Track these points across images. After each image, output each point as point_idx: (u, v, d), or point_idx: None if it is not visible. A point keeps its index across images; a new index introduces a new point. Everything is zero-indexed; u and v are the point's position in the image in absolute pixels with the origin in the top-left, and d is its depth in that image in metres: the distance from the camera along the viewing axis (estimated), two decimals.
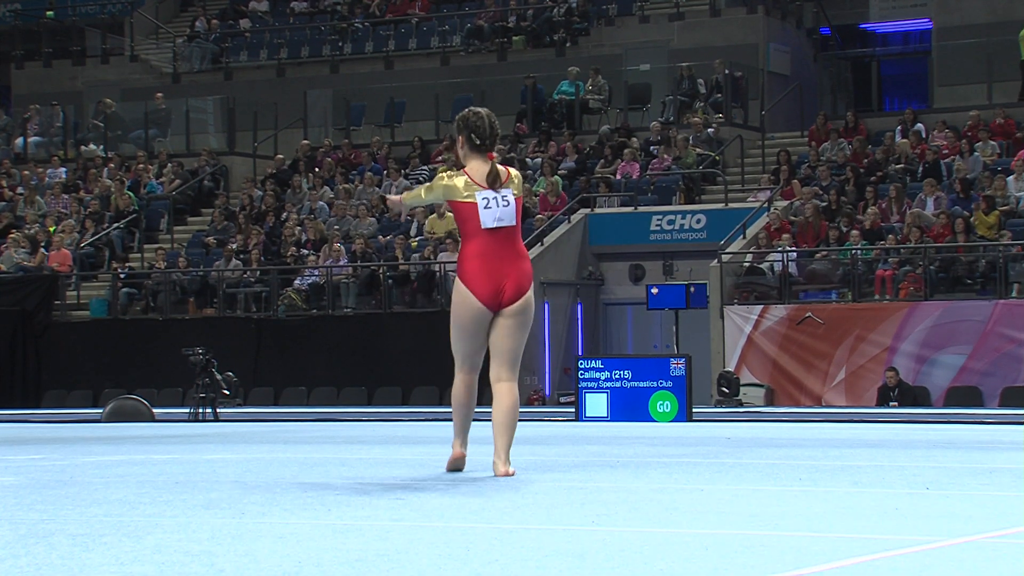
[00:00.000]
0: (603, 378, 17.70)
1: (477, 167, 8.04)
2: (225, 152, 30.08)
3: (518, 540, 5.67)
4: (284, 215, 26.53)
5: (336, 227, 25.57)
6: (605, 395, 17.59)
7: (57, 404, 23.51)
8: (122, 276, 25.89)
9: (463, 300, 8.03)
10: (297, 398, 22.77)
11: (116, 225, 27.21)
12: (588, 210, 24.39)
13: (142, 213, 27.69)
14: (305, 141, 29.19)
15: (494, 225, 7.93)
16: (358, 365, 22.90)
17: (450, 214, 24.67)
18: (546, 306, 23.05)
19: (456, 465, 8.46)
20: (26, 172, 29.77)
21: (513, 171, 8.14)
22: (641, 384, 17.49)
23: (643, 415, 17.33)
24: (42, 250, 26.41)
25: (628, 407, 17.45)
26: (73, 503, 7.25)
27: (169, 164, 29.14)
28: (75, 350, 24.57)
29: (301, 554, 5.28)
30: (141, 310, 25.30)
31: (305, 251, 25.13)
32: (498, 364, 8.17)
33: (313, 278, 24.54)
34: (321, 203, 26.74)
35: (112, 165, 29.31)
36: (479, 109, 8.35)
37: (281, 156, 29.08)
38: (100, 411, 19.94)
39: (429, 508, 6.87)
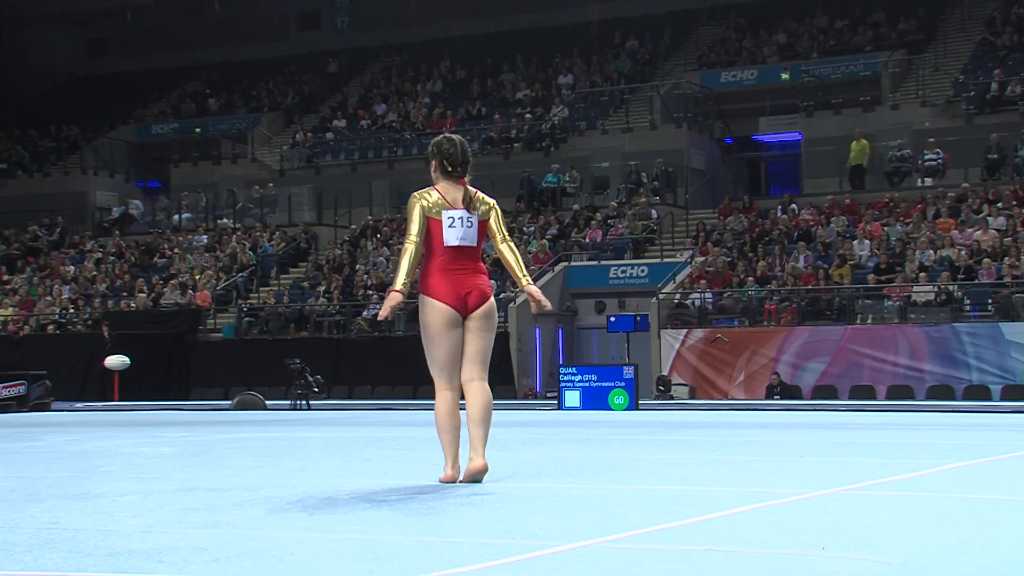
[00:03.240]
0: (577, 379, 17.67)
1: (448, 189, 6.12)
2: (315, 223, 30.07)
3: (511, 494, 5.66)
4: (356, 267, 26.52)
5: (392, 275, 25.57)
6: (578, 392, 17.57)
7: (200, 397, 23.46)
8: (245, 309, 25.86)
9: (432, 309, 6.04)
10: (364, 394, 22.69)
11: (241, 274, 27.20)
12: (566, 263, 24.37)
13: (259, 265, 27.67)
14: (370, 216, 29.21)
15: (457, 244, 6.01)
16: (407, 371, 22.82)
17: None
18: (537, 329, 23.01)
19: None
20: (180, 238, 29.79)
21: (481, 195, 6.23)
22: (603, 384, 17.47)
23: (604, 406, 17.29)
24: (190, 292, 26.41)
25: (594, 400, 17.42)
26: (210, 467, 7.26)
27: (277, 232, 29.14)
28: (213, 360, 24.54)
29: (364, 507, 5.27)
30: (258, 332, 25.25)
31: (370, 292, 25.11)
32: (470, 365, 6.06)
33: (375, 311, 24.52)
34: (381, 258, 26.73)
35: (239, 233, 29.32)
36: (453, 136, 6.30)
37: (354, 226, 29.09)
38: (229, 402, 19.91)
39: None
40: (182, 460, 7.83)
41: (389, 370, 22.88)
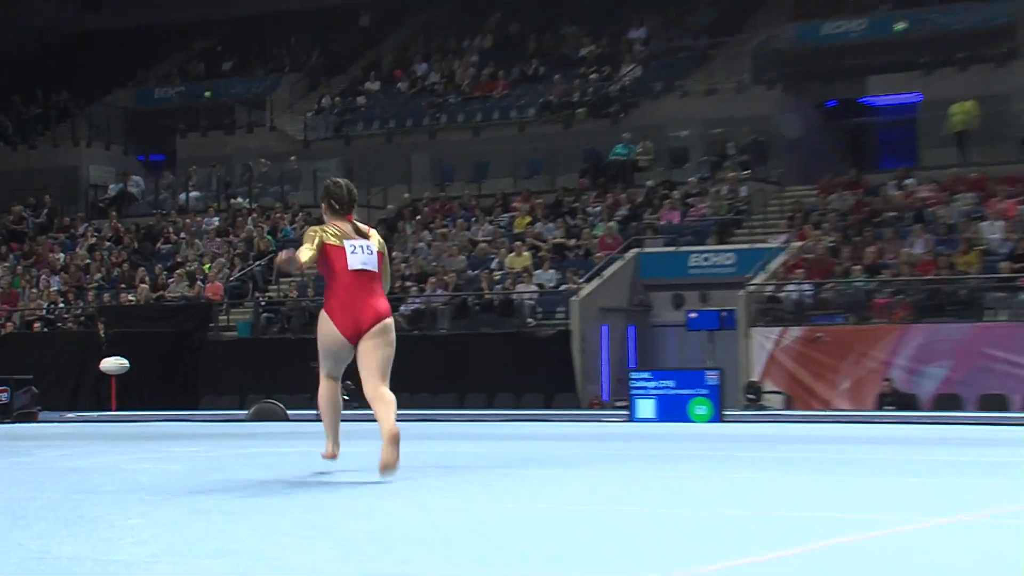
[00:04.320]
0: (651, 386, 17.64)
1: (339, 225, 7.73)
2: None
3: (566, 517, 5.66)
4: (393, 254, 26.64)
5: (434, 263, 25.64)
6: (653, 401, 17.53)
7: (211, 406, 23.70)
8: (262, 304, 26.07)
9: (328, 331, 7.74)
10: (402, 401, 22.76)
11: (258, 263, 27.43)
12: (638, 250, 24.31)
13: (278, 252, 27.86)
14: (408, 194, 29.32)
15: (360, 267, 7.62)
16: (451, 375, 22.91)
17: (525, 253, 24.72)
18: (604, 328, 22.98)
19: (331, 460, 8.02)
20: (187, 220, 30.10)
21: (372, 231, 7.86)
22: (682, 391, 17.42)
23: (683, 417, 17.24)
24: (199, 283, 26.68)
25: (671, 410, 17.37)
26: (223, 487, 7.33)
27: (300, 213, 29.35)
28: (225, 363, 24.76)
29: (415, 533, 5.30)
30: (277, 331, 25.45)
31: (409, 283, 25.21)
32: (372, 380, 7.77)
33: (416, 305, 24.61)
34: (421, 244, 26.82)
35: (255, 214, 29.58)
36: (339, 180, 7.95)
37: (390, 206, 29.21)
38: (245, 412, 20.09)
39: (515, 492, 6.86)
40: (191, 479, 7.91)
41: (431, 374, 22.96)
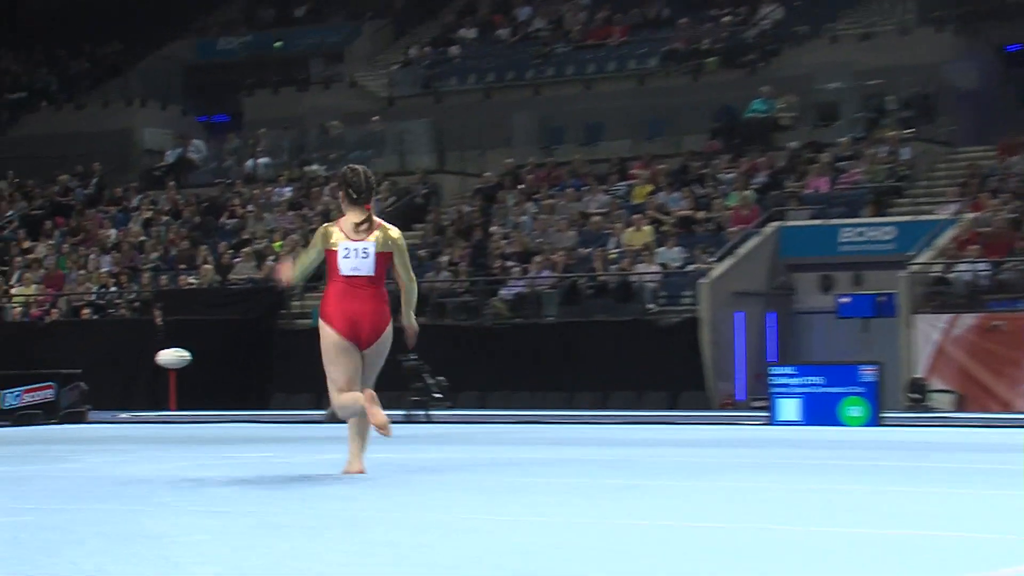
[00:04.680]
0: (795, 384, 17.48)
1: (351, 218, 8.63)
2: (435, 171, 30.38)
3: (679, 537, 5.63)
4: (490, 229, 26.71)
5: (539, 240, 25.66)
6: (798, 400, 17.38)
7: (283, 406, 23.97)
8: None
9: (327, 336, 8.68)
10: (502, 401, 22.87)
11: None
12: (779, 223, 24.08)
13: None
14: (510, 160, 29.34)
15: (350, 273, 8.57)
16: (559, 370, 22.92)
17: (645, 228, 24.63)
18: (738, 316, 22.81)
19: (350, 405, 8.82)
20: (255, 191, 30.45)
21: (384, 229, 8.71)
22: (832, 390, 17.24)
23: (834, 419, 17.08)
24: (269, 263, 26.98)
25: (819, 411, 17.21)
26: (301, 497, 7.41)
27: (384, 182, 29.53)
28: (299, 356, 24.98)
29: (507, 548, 5.31)
30: None
31: (510, 263, 25.25)
32: (364, 387, 8.79)
33: (518, 288, 24.65)
34: (525, 217, 26.84)
35: (333, 184, 29.83)
36: (356, 166, 8.81)
37: (488, 174, 29.27)
38: (322, 413, 20.31)
39: (633, 507, 6.86)
40: (264, 489, 8.02)
41: (535, 369, 22.99)
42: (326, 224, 8.83)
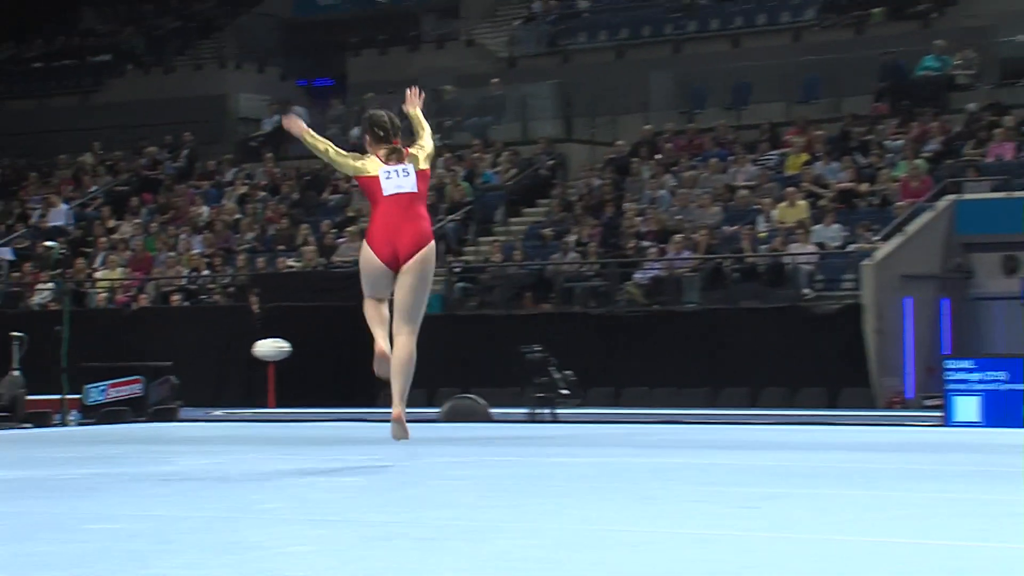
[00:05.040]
0: (974, 380, 17.26)
1: (380, 152, 9.93)
2: (562, 139, 30.41)
3: (835, 553, 5.59)
4: (623, 205, 26.68)
5: (678, 216, 25.58)
6: (976, 399, 17.16)
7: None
8: (456, 270, 26.45)
9: (367, 258, 9.97)
10: (638, 398, 22.85)
11: (451, 217, 27.82)
12: (955, 196, 23.76)
13: (477, 204, 28.23)
14: (646, 126, 29.27)
15: (395, 191, 9.82)
16: (702, 364, 22.84)
17: (800, 203, 24.42)
18: (907, 302, 22.55)
19: (383, 359, 10.14)
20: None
21: (413, 150, 10.02)
22: (1017, 386, 17.00)
23: (1018, 421, 16.83)
24: None
25: (1002, 412, 16.97)
26: (415, 505, 7.48)
27: (504, 153, 29.62)
28: None
29: (655, 564, 5.33)
30: (476, 305, 25.79)
31: (646, 243, 25.20)
32: (398, 319, 10.02)
33: (654, 271, 24.60)
34: (663, 191, 26.77)
35: (447, 154, 29.99)
36: (379, 110, 10.33)
37: (621, 142, 29.21)
38: (436, 410, 20.44)
39: (790, 518, 6.84)
40: (374, 495, 8.11)
41: (676, 362, 22.94)
42: (358, 155, 10.10)
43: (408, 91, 10.57)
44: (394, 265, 9.89)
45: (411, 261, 9.87)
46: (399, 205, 9.84)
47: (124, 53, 38.20)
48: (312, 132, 10.12)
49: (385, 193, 9.84)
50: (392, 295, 10.04)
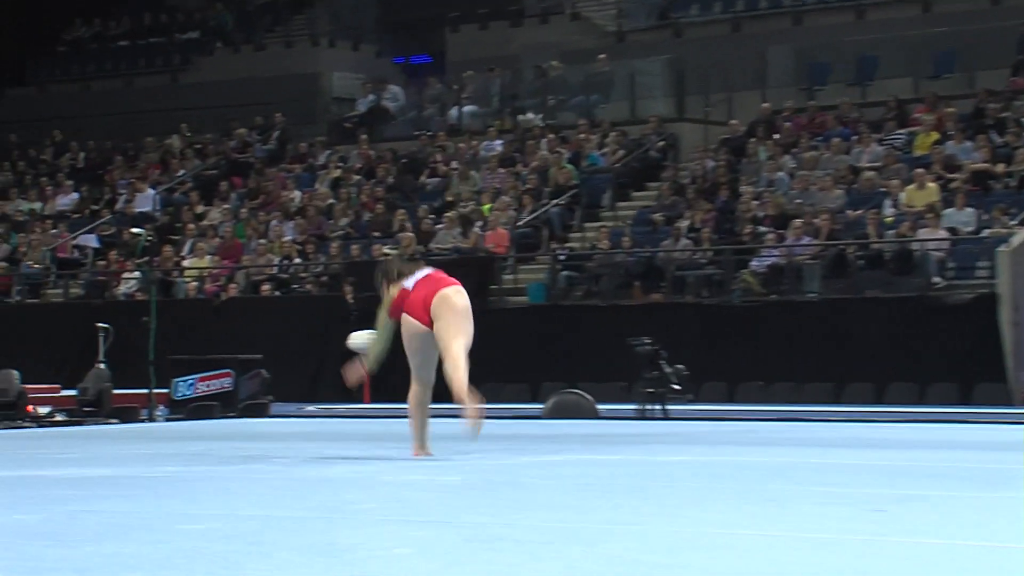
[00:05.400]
0: None
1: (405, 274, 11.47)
2: (674, 119, 30.31)
3: (969, 559, 5.55)
4: (739, 188, 26.57)
5: (798, 200, 25.43)
6: None
7: (495, 398, 24.20)
8: (561, 258, 26.46)
9: (410, 326, 11.31)
10: (754, 394, 22.76)
11: (555, 202, 27.82)
12: None
13: (583, 188, 28.21)
14: (764, 104, 29.11)
15: (422, 276, 11.37)
16: (824, 358, 22.70)
17: (930, 185, 24.18)
18: None
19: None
20: (461, 145, 30.80)
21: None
22: None
23: None
24: (476, 230, 27.28)
25: None
26: (518, 506, 7.51)
27: (612, 133, 29.58)
28: (511, 339, 25.22)
29: (772, 568, 5.32)
30: (582, 295, 25.78)
31: (763, 228, 25.08)
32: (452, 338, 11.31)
33: (772, 259, 24.48)
34: (781, 174, 26.62)
35: (551, 135, 30.00)
36: (387, 254, 11.78)
37: (736, 122, 29.09)
38: (540, 406, 20.48)
39: (919, 521, 6.80)
40: (473, 495, 8.15)
41: (795, 356, 22.83)
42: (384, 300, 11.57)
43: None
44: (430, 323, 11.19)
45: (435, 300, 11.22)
46: (428, 283, 11.29)
47: (213, 30, 38.57)
48: (370, 350, 11.96)
49: (417, 279, 11.34)
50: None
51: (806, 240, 24.20)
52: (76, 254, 31.05)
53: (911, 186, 24.35)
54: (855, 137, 27.04)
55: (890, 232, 23.88)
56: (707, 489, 8.51)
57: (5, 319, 28.66)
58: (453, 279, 11.49)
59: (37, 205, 33.29)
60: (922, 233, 23.32)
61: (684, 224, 25.78)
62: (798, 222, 24.36)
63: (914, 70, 29.05)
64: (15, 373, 19.15)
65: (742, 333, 23.39)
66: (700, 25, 32.41)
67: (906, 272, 23.19)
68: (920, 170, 24.56)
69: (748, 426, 16.94)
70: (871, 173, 25.57)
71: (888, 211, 24.35)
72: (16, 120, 38.20)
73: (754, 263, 24.41)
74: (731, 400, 22.69)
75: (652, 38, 32.57)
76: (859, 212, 24.53)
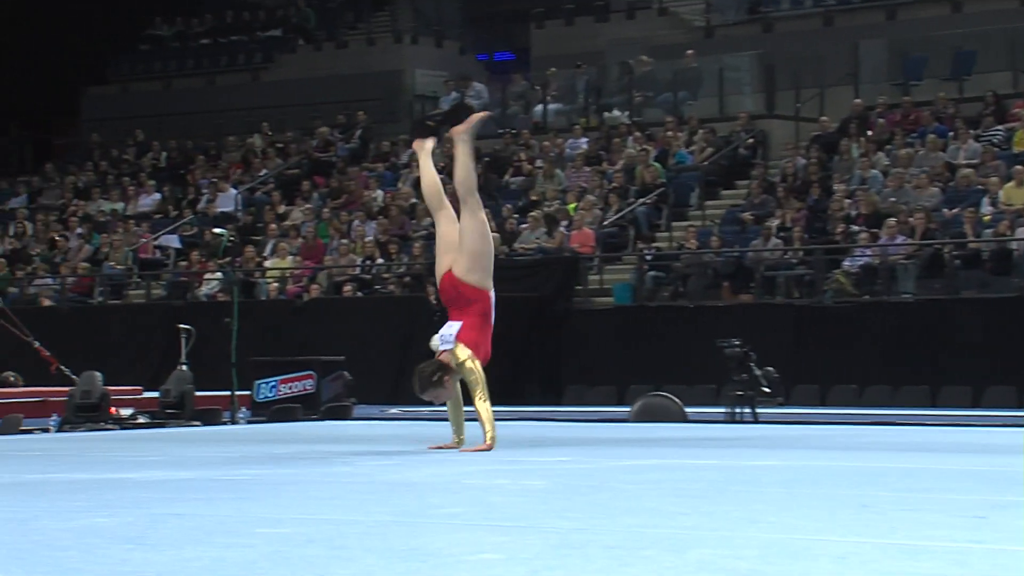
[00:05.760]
0: None
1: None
2: (763, 115, 30.23)
3: None
4: (831, 186, 26.44)
5: (892, 199, 25.28)
6: None
7: (577, 401, 24.25)
8: (648, 258, 26.44)
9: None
10: (847, 397, 22.66)
11: (642, 200, 27.81)
12: None
13: (670, 187, 28.18)
14: (857, 100, 28.96)
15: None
16: (919, 360, 22.57)
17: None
18: None
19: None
20: (545, 143, 30.82)
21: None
22: None
23: None
24: (561, 230, 27.30)
25: None
26: (606, 511, 7.51)
27: (700, 131, 29.53)
28: (597, 341, 25.26)
29: None
30: (669, 296, 25.76)
31: (856, 227, 24.96)
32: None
33: (865, 259, 24.35)
34: (874, 171, 26.48)
35: (637, 133, 29.97)
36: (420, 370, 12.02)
37: (827, 118, 28.96)
38: (626, 409, 20.46)
39: (1015, 529, 6.74)
40: (561, 499, 8.15)
41: (889, 358, 22.72)
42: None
43: None
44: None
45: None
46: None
47: (295, 28, 38.81)
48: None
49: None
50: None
51: (900, 239, 24.06)
52: (158, 255, 31.34)
53: (1010, 184, 24.15)
54: (951, 133, 26.86)
55: (987, 231, 23.70)
56: (798, 494, 8.48)
57: (88, 320, 28.98)
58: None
59: (119, 205, 33.62)
60: (1021, 232, 23.13)
61: (774, 223, 25.68)
62: (892, 221, 24.22)
63: (1013, 64, 28.82)
64: (98, 375, 19.32)
65: (834, 335, 23.28)
66: (791, 19, 32.30)
67: (1004, 272, 23.01)
68: (1019, 167, 24.37)
69: (840, 430, 16.83)
70: (968, 170, 25.38)
71: (986, 209, 24.16)
72: (98, 119, 38.60)
73: (846, 263, 24.29)
74: (823, 403, 22.58)
75: (741, 33, 32.49)
76: (955, 210, 24.35)
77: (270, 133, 34.79)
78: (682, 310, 24.93)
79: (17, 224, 33.93)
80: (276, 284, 28.66)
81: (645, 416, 19.55)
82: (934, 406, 21.66)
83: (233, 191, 32.24)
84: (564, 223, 27.44)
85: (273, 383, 21.02)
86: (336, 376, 21.49)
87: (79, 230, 32.52)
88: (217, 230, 24.18)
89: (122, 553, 5.94)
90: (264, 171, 33.52)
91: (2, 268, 32.06)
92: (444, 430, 16.95)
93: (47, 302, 30.22)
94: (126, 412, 19.60)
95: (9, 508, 7.70)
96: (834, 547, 6.05)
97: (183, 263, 30.36)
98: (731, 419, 19.31)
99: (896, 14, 31.23)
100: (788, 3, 32.65)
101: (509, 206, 28.57)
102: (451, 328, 11.94)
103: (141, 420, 19.31)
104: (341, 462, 11.31)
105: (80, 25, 40.52)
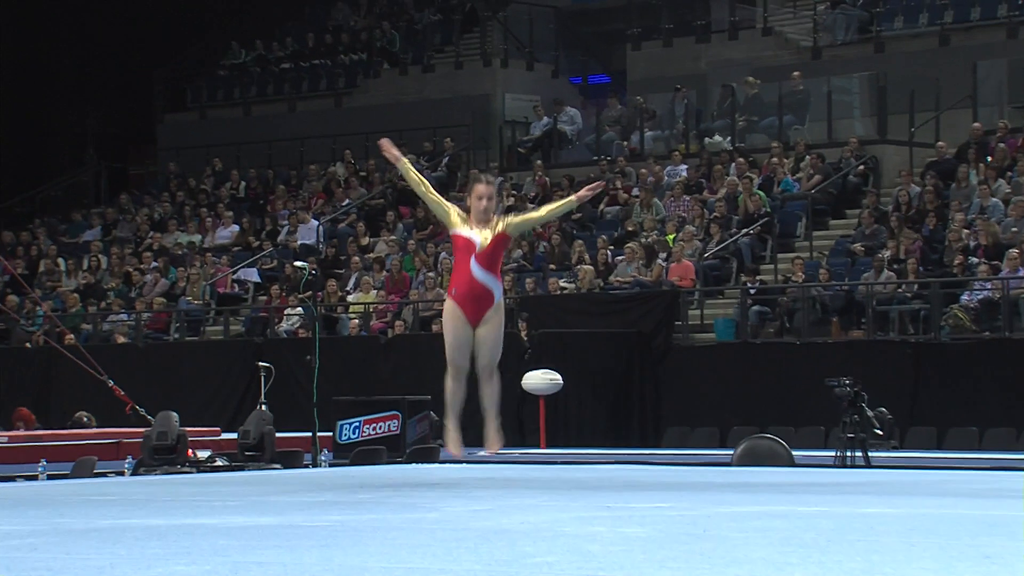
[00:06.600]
0: None
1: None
2: (875, 140, 30.07)
3: None
4: (948, 215, 26.28)
5: (1014, 229, 25.08)
6: None
7: (678, 443, 24.18)
8: (752, 291, 26.34)
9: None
10: (965, 441, 22.47)
11: (745, 231, 27.72)
12: None
13: (775, 216, 28.08)
14: (975, 124, 28.78)
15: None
16: None
17: None
18: None
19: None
20: (643, 171, 30.81)
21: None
22: None
23: None
24: (659, 262, 27.27)
25: None
26: (709, 561, 7.47)
27: (807, 157, 29.42)
28: (698, 379, 25.20)
29: None
30: (774, 332, 25.65)
31: (975, 259, 24.78)
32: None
33: (985, 292, 24.17)
34: (995, 200, 26.29)
35: (740, 159, 29.91)
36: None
37: (943, 143, 28.79)
38: (729, 452, 20.38)
39: None
40: (661, 547, 8.12)
41: (1011, 398, 22.53)
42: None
43: None
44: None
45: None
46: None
47: (379, 51, 39.01)
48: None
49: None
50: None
51: (1022, 272, 23.86)
52: (236, 289, 31.57)
53: None
54: None
55: None
56: (915, 544, 8.41)
57: (163, 357, 29.23)
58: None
59: (196, 238, 33.91)
60: None
61: (887, 255, 25.54)
62: (1014, 252, 24.02)
63: None
64: (174, 415, 19.47)
65: (952, 374, 23.10)
66: (904, 38, 32.13)
67: None
68: None
69: (959, 475, 16.67)
70: None
71: None
72: (175, 147, 38.96)
73: (965, 297, 24.12)
74: (940, 447, 22.41)
75: (852, 53, 32.35)
76: None
77: (353, 161, 34.98)
78: (788, 347, 24.82)
79: (91, 257, 34.29)
80: (359, 320, 28.78)
81: (749, 459, 19.47)
82: None
83: (315, 222, 32.43)
84: (663, 255, 27.41)
85: (356, 424, 21.11)
86: (422, 416, 21.55)
87: (155, 263, 32.82)
88: (298, 263, 24.34)
89: None
90: (347, 201, 33.70)
91: (75, 303, 32.41)
92: (537, 473, 16.98)
93: (122, 339, 30.52)
94: (203, 454, 19.73)
95: (84, 556, 7.76)
96: None
97: (263, 298, 30.56)
98: (841, 463, 19.19)
99: (1017, 32, 31.00)
100: (902, 22, 32.49)
101: (604, 237, 28.59)
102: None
103: (219, 463, 19.43)
104: (428, 507, 11.32)
105: (157, 51, 40.97)
